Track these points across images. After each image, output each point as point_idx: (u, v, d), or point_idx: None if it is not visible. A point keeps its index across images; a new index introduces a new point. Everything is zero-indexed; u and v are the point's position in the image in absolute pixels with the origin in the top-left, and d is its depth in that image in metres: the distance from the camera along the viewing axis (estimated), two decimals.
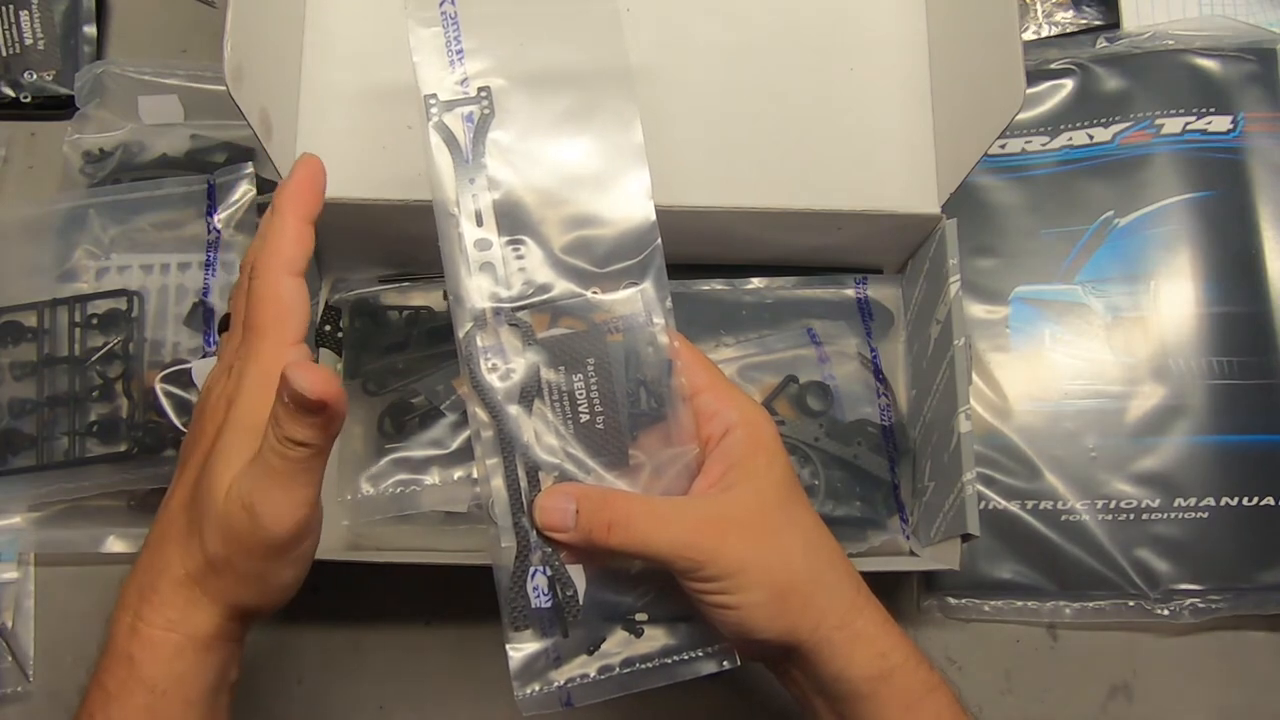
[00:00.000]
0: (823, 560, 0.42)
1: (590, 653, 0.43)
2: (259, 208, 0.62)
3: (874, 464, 0.59)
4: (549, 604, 0.42)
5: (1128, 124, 0.68)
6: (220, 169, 0.63)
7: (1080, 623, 0.62)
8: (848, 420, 0.61)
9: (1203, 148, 0.67)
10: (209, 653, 0.40)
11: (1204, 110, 0.67)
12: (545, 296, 0.43)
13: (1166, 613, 0.61)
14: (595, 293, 0.43)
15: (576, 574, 0.42)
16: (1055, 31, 0.71)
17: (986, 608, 0.62)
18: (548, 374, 0.42)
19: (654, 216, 0.44)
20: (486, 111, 0.44)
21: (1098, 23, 0.71)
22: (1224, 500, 0.62)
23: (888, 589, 0.63)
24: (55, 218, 0.62)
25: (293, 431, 0.37)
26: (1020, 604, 0.62)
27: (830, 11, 0.60)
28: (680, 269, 0.63)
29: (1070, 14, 0.71)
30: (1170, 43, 0.68)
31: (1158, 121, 0.68)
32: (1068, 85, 0.69)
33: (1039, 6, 0.71)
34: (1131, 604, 0.61)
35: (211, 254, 0.62)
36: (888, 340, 0.64)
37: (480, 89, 0.44)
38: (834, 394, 0.61)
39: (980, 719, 0.61)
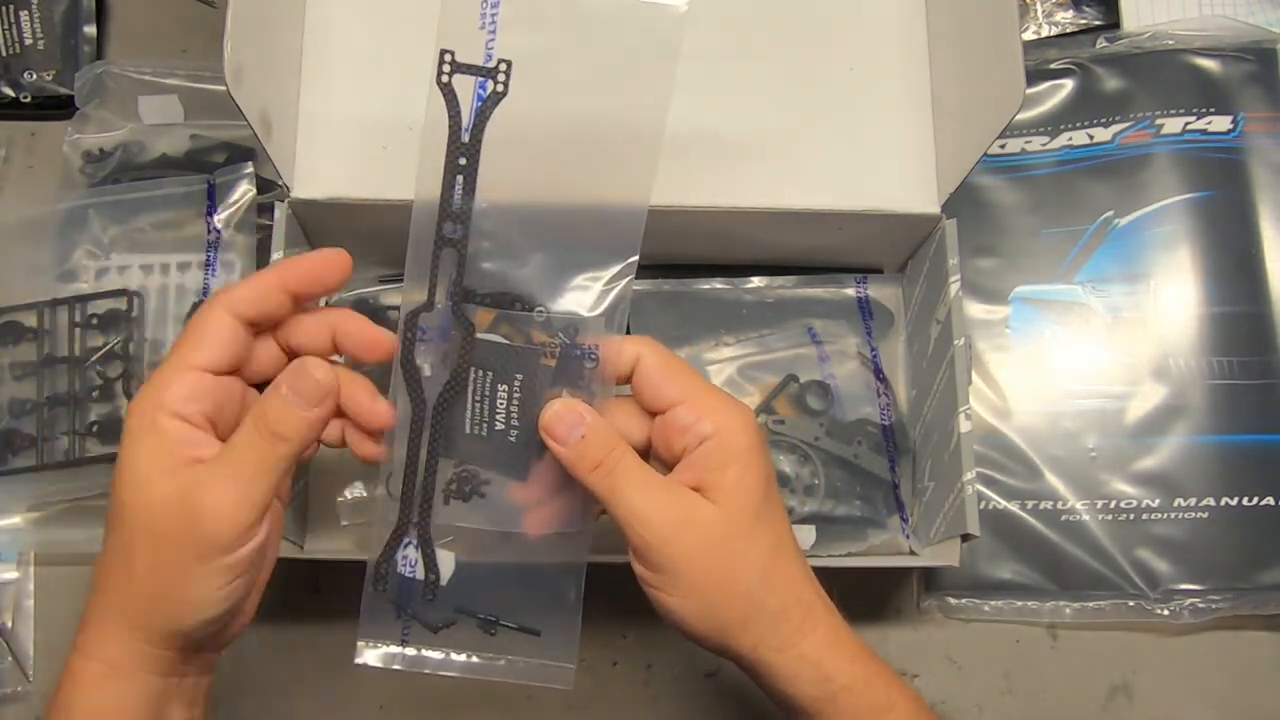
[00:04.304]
0: (772, 583, 0.41)
1: (436, 631, 0.45)
2: (259, 208, 0.62)
3: (874, 463, 0.59)
4: (412, 575, 0.44)
5: (1128, 124, 0.68)
6: (220, 169, 0.63)
7: (1080, 623, 0.62)
8: (848, 419, 0.61)
9: (1203, 148, 0.67)
10: (131, 683, 0.39)
11: (1204, 110, 0.67)
12: (498, 293, 0.42)
13: (1166, 613, 0.61)
14: (541, 312, 0.43)
15: (445, 560, 0.44)
16: (1055, 31, 0.71)
17: (986, 608, 0.62)
18: (476, 374, 0.42)
19: (637, 256, 0.42)
20: (501, 89, 0.41)
21: (1098, 23, 0.71)
22: (1224, 500, 0.62)
23: (888, 589, 0.63)
24: (55, 218, 0.62)
25: (283, 426, 0.38)
26: (1020, 604, 0.62)
27: (830, 12, 0.59)
28: (680, 269, 0.63)
29: (1070, 14, 0.71)
30: (1170, 43, 0.68)
31: (1158, 121, 0.68)
32: (1068, 85, 0.69)
33: (1039, 6, 0.71)
34: (1131, 604, 0.61)
35: (211, 254, 0.62)
36: (888, 340, 0.64)
37: (502, 62, 0.41)
38: (834, 393, 0.61)
39: (980, 719, 0.61)
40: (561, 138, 0.42)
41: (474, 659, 0.45)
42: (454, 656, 0.45)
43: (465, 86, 0.41)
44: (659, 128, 0.42)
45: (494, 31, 0.40)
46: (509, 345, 0.42)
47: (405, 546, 0.44)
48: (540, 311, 0.43)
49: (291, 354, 0.42)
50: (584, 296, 0.43)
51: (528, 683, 0.45)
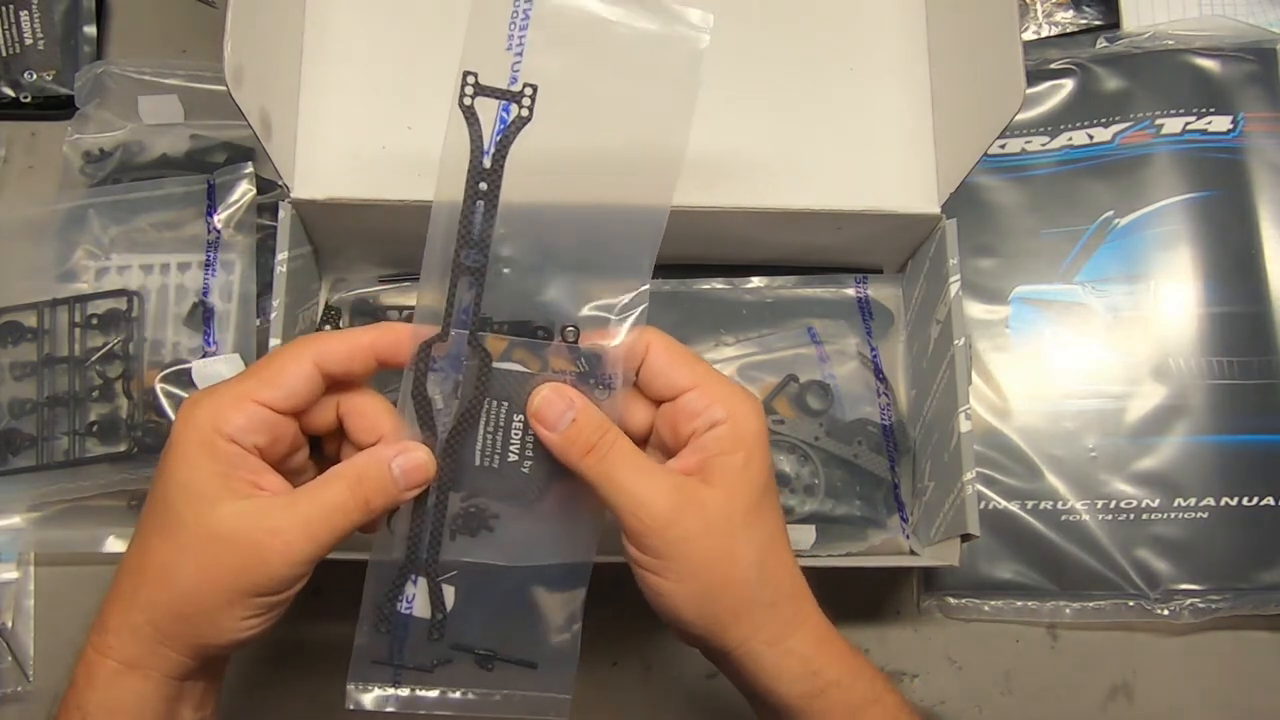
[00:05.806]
0: (767, 575, 0.41)
1: (430, 669, 0.44)
2: (259, 208, 0.62)
3: (874, 463, 0.59)
4: (409, 612, 0.43)
5: (1128, 124, 0.68)
6: (220, 169, 0.63)
7: (1080, 623, 0.62)
8: (848, 419, 0.61)
9: (1203, 148, 0.67)
10: (148, 683, 0.39)
11: (1204, 110, 0.67)
12: (518, 321, 0.42)
13: (1166, 613, 0.61)
14: (573, 331, 0.42)
15: (447, 595, 0.43)
16: (1055, 31, 0.71)
17: (986, 608, 0.62)
18: (490, 405, 0.41)
19: (648, 285, 0.42)
20: (525, 114, 0.40)
21: (1098, 23, 0.71)
22: (1224, 500, 0.62)
23: (888, 589, 0.63)
24: (55, 218, 0.62)
25: (379, 499, 0.40)
26: (1020, 604, 0.62)
27: (830, 12, 0.60)
28: (680, 269, 0.63)
29: (1070, 14, 0.71)
30: (1170, 43, 0.68)
31: (1158, 121, 0.68)
32: (1068, 85, 0.69)
33: (1039, 6, 0.71)
34: (1131, 604, 0.61)
35: (211, 254, 0.62)
36: (888, 340, 0.64)
37: (528, 86, 0.40)
38: (834, 393, 0.61)
39: (980, 719, 0.61)
40: (580, 163, 0.42)
41: (470, 695, 0.44)
42: (450, 695, 0.44)
43: (487, 109, 0.40)
44: (678, 157, 0.42)
45: (520, 54, 0.40)
46: (525, 374, 0.41)
47: (407, 584, 0.43)
48: (571, 330, 0.42)
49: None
50: (600, 323, 0.42)
51: (523, 717, 0.44)
